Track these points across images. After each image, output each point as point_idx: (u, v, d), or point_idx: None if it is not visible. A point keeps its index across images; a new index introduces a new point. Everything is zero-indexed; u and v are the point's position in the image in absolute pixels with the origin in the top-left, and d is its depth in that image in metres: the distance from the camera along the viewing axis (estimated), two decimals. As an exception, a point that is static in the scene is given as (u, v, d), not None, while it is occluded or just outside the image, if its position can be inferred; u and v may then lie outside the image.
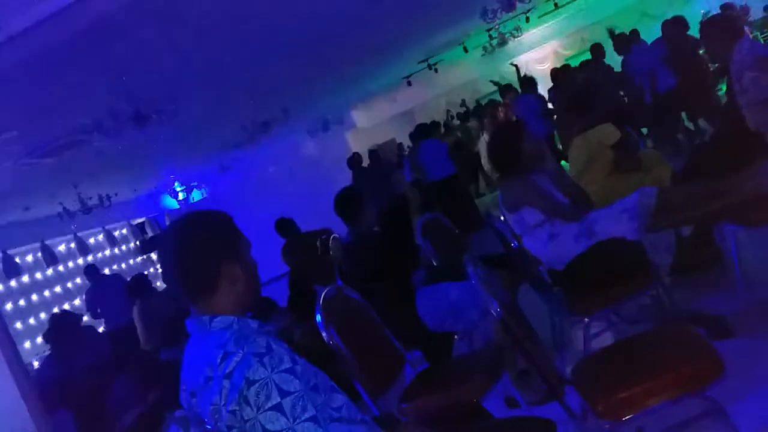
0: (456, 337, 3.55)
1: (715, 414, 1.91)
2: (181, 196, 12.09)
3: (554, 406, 2.14)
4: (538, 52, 15.14)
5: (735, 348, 2.88)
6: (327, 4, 6.18)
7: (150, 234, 12.49)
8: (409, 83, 13.28)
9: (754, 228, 3.14)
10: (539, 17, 12.38)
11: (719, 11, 13.13)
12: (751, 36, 9.72)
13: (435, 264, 4.02)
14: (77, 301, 9.56)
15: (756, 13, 12.62)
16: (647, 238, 3.23)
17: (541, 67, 13.84)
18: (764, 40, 12.21)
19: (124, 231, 12.24)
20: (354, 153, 10.28)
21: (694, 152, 4.10)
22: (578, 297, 3.06)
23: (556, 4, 11.52)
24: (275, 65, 7.52)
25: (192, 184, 12.22)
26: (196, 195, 13.02)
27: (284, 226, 6.46)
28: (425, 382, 2.78)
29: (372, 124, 15.39)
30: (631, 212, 3.22)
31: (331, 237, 6.46)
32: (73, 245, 10.32)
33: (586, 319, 3.05)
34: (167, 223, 12.38)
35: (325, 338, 2.60)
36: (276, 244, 6.75)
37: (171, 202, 12.96)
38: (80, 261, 10.32)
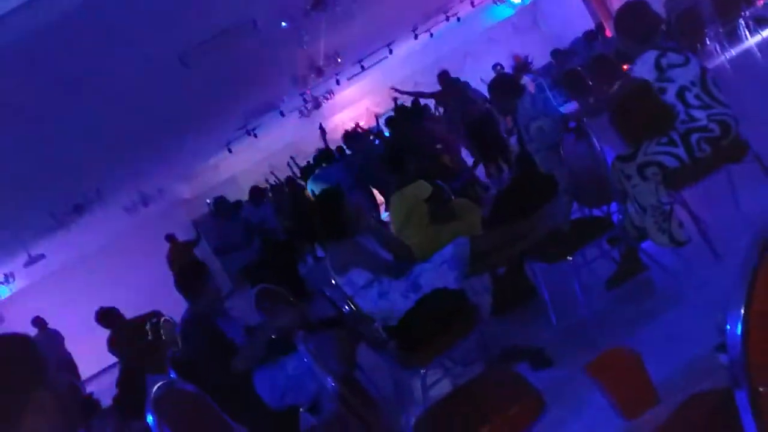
0: (301, 409, 3.50)
1: (542, 448, 2.06)
2: (-16, 295, 10.80)
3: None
4: (353, 111, 15.80)
5: (554, 377, 3.14)
6: (135, 76, 5.99)
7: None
8: (230, 150, 13.18)
9: (555, 262, 3.48)
10: (348, 79, 12.96)
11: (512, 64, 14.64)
12: (534, 83, 10.93)
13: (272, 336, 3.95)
14: None
15: (543, 60, 14.13)
16: (467, 284, 3.44)
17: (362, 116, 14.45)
18: (549, 85, 13.74)
19: None
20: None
21: (496, 198, 4.48)
22: (412, 350, 3.17)
23: (362, 66, 12.16)
24: (83, 145, 7.10)
25: (-3, 280, 10.99)
26: (3, 291, 11.69)
27: (106, 316, 6.01)
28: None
29: (195, 194, 14.97)
30: (449, 263, 3.42)
31: (162, 320, 6.11)
32: None
33: (423, 370, 3.18)
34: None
35: (160, 440, 2.43)
36: (102, 333, 6.26)
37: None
38: None
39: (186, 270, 3.68)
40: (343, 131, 10.00)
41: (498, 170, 8.64)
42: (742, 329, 1.01)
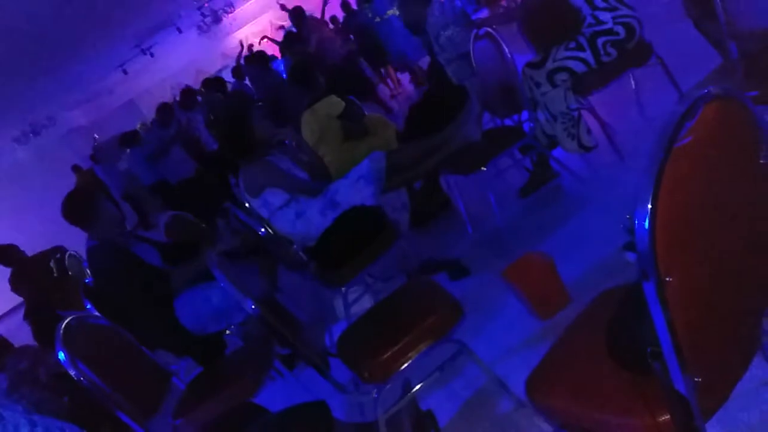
0: (228, 332, 3.44)
1: (463, 353, 2.11)
2: None
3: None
4: (255, 26, 15.08)
5: (472, 285, 3.23)
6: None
7: None
8: (125, 71, 12.38)
9: (470, 174, 3.50)
10: (250, -9, 12.31)
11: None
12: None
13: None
14: None
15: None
16: (385, 200, 3.43)
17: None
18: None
19: None
20: None
21: (410, 111, 4.42)
22: (332, 269, 3.16)
23: (263, -24, 11.54)
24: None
25: None
26: None
27: (5, 254, 5.65)
28: (196, 393, 2.67)
29: (91, 120, 14.09)
30: (366, 178, 3.39)
31: (66, 255, 5.82)
32: None
33: (344, 288, 3.18)
34: None
35: (74, 376, 2.35)
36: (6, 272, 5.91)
37: None
38: None
39: (72, 197, 3.35)
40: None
41: None
42: (649, 224, 1.03)
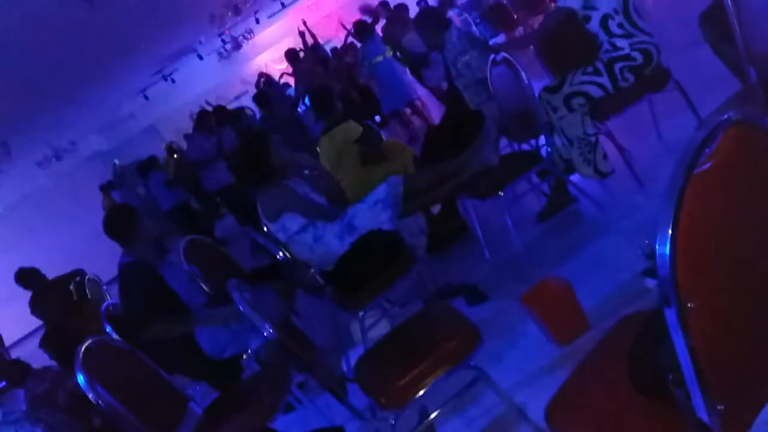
0: (245, 356, 3.45)
1: (480, 379, 2.10)
2: None
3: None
4: (275, 52, 15.27)
5: (490, 310, 3.21)
6: (35, 18, 5.53)
7: None
8: (146, 97, 12.59)
9: (487, 199, 3.50)
10: (269, 17, 12.49)
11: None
12: (459, 18, 10.83)
13: (206, 289, 3.85)
14: None
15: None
16: (402, 225, 3.43)
17: (279, 67, 13.99)
18: (475, 20, 13.59)
19: None
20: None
21: (427, 136, 4.44)
22: (349, 293, 3.16)
23: (282, 4, 11.71)
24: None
25: None
26: None
27: (26, 277, 5.71)
28: (213, 417, 2.67)
29: (113, 145, 14.29)
30: (383, 202, 3.39)
31: (86, 278, 5.88)
32: None
33: (361, 313, 3.18)
34: None
35: (93, 399, 2.36)
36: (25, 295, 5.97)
37: None
38: None
39: (114, 214, 3.47)
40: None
41: None
42: (670, 249, 1.02)
